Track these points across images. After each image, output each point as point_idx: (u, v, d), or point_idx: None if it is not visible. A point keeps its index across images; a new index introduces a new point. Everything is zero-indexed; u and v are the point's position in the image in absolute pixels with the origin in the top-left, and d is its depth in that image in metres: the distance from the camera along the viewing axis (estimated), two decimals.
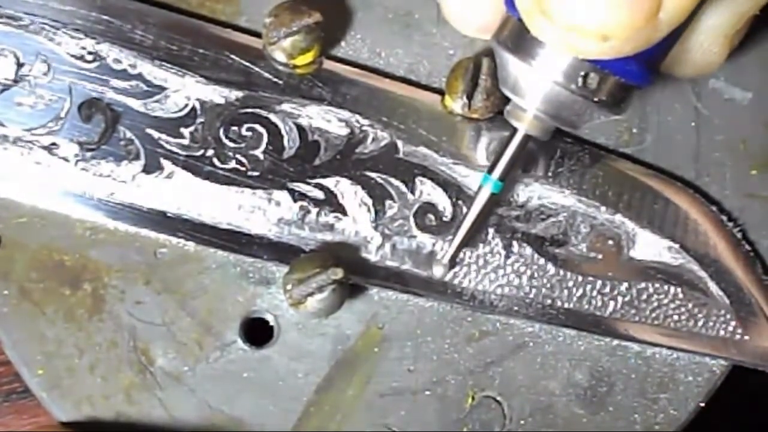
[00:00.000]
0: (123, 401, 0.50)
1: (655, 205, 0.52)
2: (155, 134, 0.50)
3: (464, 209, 0.51)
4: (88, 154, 0.49)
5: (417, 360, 0.51)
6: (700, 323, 0.52)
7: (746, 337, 0.52)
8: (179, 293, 0.50)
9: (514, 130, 0.47)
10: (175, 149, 0.50)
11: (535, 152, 0.51)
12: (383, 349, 0.51)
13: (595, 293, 0.51)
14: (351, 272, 0.49)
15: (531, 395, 0.52)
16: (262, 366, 0.51)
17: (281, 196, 0.50)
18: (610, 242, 0.52)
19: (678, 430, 0.52)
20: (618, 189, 0.52)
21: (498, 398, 0.52)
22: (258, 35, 0.50)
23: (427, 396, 0.51)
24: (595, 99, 0.44)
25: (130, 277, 0.50)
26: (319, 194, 0.50)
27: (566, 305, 0.51)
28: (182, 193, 0.50)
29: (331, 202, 0.50)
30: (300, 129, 0.51)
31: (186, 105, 0.50)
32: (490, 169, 0.48)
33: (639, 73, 0.44)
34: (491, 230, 0.51)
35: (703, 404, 0.53)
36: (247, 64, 0.51)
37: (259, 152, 0.50)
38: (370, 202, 0.51)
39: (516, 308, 0.51)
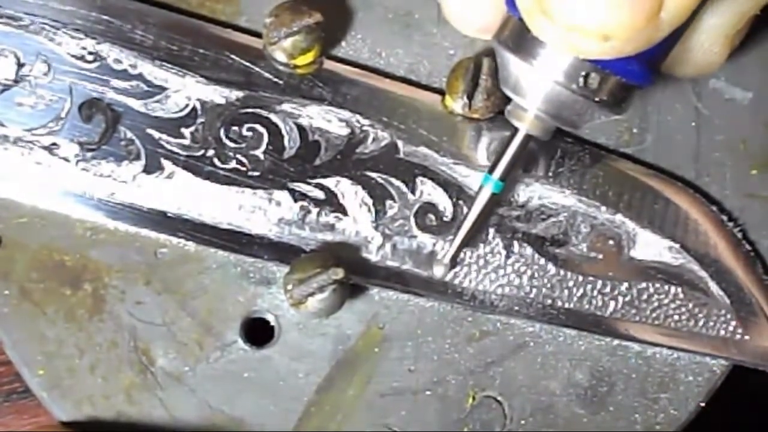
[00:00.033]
0: (123, 401, 0.50)
1: (655, 205, 0.52)
2: (156, 134, 0.50)
3: (465, 209, 0.51)
4: (89, 155, 0.49)
5: (417, 360, 0.51)
6: (700, 323, 0.52)
7: (746, 337, 0.52)
8: (180, 293, 0.50)
9: (515, 130, 0.47)
10: (175, 149, 0.50)
11: (535, 152, 0.51)
12: (384, 349, 0.51)
13: (595, 293, 0.51)
14: (351, 272, 0.49)
15: (531, 395, 0.52)
16: (263, 366, 0.51)
17: (282, 196, 0.50)
18: (611, 242, 0.52)
19: (678, 429, 0.52)
20: (618, 189, 0.52)
21: (498, 398, 0.52)
22: (258, 35, 0.50)
23: (427, 396, 0.51)
24: (596, 99, 0.45)
25: (130, 277, 0.50)
26: (320, 194, 0.50)
27: (567, 305, 0.51)
28: (183, 193, 0.50)
29: (332, 202, 0.50)
30: (300, 129, 0.51)
31: (186, 105, 0.50)
32: (491, 169, 0.48)
33: (640, 73, 0.44)
34: (492, 230, 0.51)
35: (703, 404, 0.53)
36: (248, 64, 0.51)
37: (259, 152, 0.50)
38: (370, 202, 0.51)
39: (516, 308, 0.51)
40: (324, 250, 0.50)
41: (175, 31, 0.50)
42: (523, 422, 0.52)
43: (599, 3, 0.40)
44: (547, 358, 0.52)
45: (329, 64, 0.51)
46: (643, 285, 0.52)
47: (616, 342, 0.52)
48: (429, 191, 0.51)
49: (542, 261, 0.51)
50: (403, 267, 0.51)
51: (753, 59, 0.53)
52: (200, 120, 0.50)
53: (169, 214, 0.50)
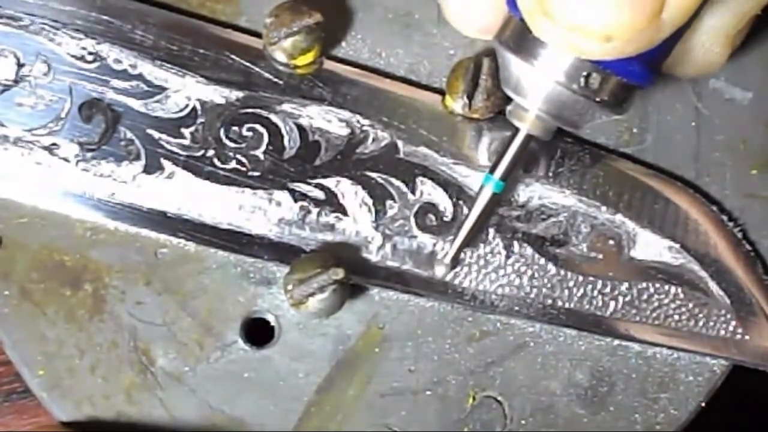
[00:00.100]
0: (124, 401, 0.50)
1: (655, 205, 0.52)
2: (156, 134, 0.50)
3: (465, 209, 0.51)
4: (89, 155, 0.49)
5: (418, 360, 0.51)
6: (700, 323, 0.52)
7: (747, 337, 0.52)
8: (180, 293, 0.50)
9: (516, 130, 0.47)
10: (175, 149, 0.50)
11: (536, 152, 0.51)
12: (384, 349, 0.51)
13: (595, 293, 0.51)
14: (352, 272, 0.49)
15: (532, 395, 0.52)
16: (263, 366, 0.51)
17: (282, 196, 0.50)
18: (611, 242, 0.52)
19: (678, 429, 0.52)
20: (618, 189, 0.52)
21: (499, 398, 0.52)
22: (258, 35, 0.50)
23: (427, 396, 0.51)
24: (597, 99, 0.45)
25: (130, 277, 0.50)
26: (320, 194, 0.50)
27: (567, 305, 0.51)
28: (183, 193, 0.50)
29: (332, 203, 0.50)
30: (300, 129, 0.51)
31: (186, 105, 0.50)
32: (492, 169, 0.48)
33: (641, 74, 0.44)
34: (492, 230, 0.51)
35: (703, 404, 0.53)
36: (248, 64, 0.51)
37: (259, 152, 0.50)
38: (370, 202, 0.51)
39: (517, 308, 0.51)
40: (324, 251, 0.50)
41: (175, 31, 0.50)
42: (523, 422, 0.52)
43: (601, 4, 0.40)
44: (548, 358, 0.52)
45: (329, 64, 0.51)
46: (644, 285, 0.52)
47: (616, 342, 0.52)
48: (429, 191, 0.51)
49: (542, 261, 0.51)
50: (404, 267, 0.51)
51: (753, 59, 0.53)
52: (200, 120, 0.50)
53: (169, 214, 0.50)
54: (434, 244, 0.51)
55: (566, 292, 0.51)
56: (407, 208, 0.51)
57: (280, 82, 0.51)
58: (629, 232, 0.52)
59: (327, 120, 0.51)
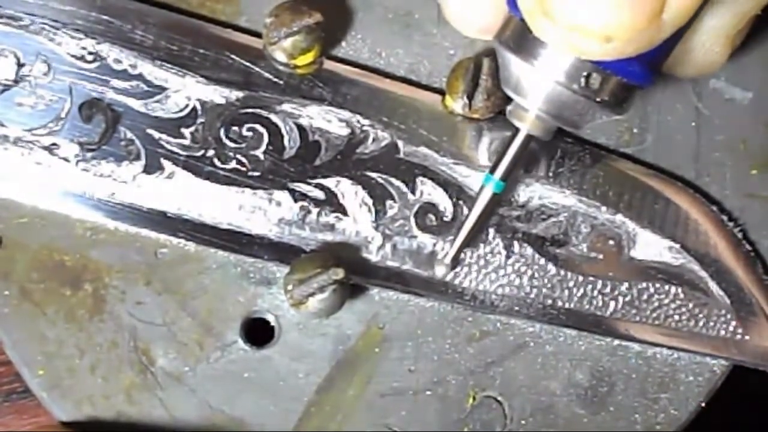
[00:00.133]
0: (124, 401, 0.50)
1: (655, 205, 0.52)
2: (156, 134, 0.50)
3: (465, 209, 0.51)
4: (89, 155, 0.49)
5: (418, 360, 0.51)
6: (700, 323, 0.52)
7: (747, 337, 0.52)
8: (180, 293, 0.50)
9: (516, 130, 0.47)
10: (175, 149, 0.50)
11: (536, 152, 0.51)
12: (384, 349, 0.51)
13: (595, 293, 0.51)
14: (352, 272, 0.49)
15: (532, 395, 0.52)
16: (263, 366, 0.51)
17: (282, 196, 0.50)
18: (611, 242, 0.52)
19: (678, 429, 0.52)
20: (618, 189, 0.52)
21: (499, 398, 0.52)
22: (258, 35, 0.50)
23: (427, 396, 0.51)
24: (597, 99, 0.45)
25: (130, 277, 0.50)
26: (320, 194, 0.50)
27: (567, 305, 0.51)
28: (183, 193, 0.50)
29: (332, 203, 0.50)
30: (300, 129, 0.51)
31: (186, 105, 0.50)
32: (492, 169, 0.48)
33: (641, 74, 0.44)
34: (492, 230, 0.51)
35: (703, 404, 0.53)
36: (248, 64, 0.51)
37: (259, 152, 0.50)
38: (370, 202, 0.51)
39: (517, 308, 0.51)
40: (324, 250, 0.50)
41: (175, 31, 0.50)
42: (523, 422, 0.52)
43: (601, 4, 0.40)
44: (548, 358, 0.52)
45: (329, 64, 0.51)
46: (644, 285, 0.52)
47: (616, 342, 0.52)
48: (429, 191, 0.51)
49: (542, 261, 0.51)
50: (404, 267, 0.51)
51: (753, 59, 0.53)
52: (200, 120, 0.50)
53: (169, 214, 0.50)
54: (434, 244, 0.51)
55: (566, 292, 0.51)
56: (407, 208, 0.51)
57: (280, 82, 0.51)
58: (629, 232, 0.52)
59: (327, 120, 0.51)
